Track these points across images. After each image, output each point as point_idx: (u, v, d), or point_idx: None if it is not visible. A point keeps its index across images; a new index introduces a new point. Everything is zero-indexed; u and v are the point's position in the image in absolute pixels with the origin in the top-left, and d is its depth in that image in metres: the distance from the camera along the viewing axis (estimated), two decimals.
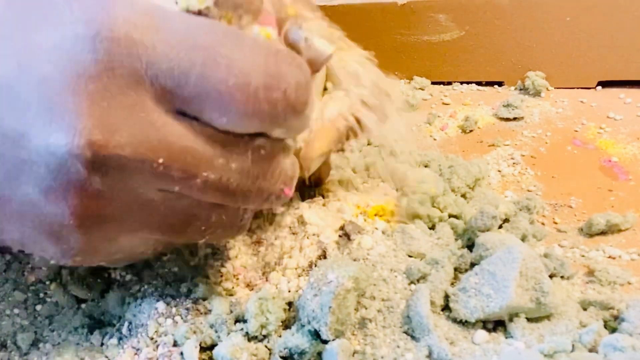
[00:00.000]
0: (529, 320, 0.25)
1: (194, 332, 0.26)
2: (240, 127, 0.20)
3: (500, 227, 0.31)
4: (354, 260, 0.28)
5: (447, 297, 0.26)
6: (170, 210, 0.22)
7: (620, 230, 0.32)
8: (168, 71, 0.19)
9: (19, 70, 0.19)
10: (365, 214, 0.32)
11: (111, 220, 0.21)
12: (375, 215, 0.32)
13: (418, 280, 0.27)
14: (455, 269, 0.28)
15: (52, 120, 0.18)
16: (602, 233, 0.32)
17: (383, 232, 0.30)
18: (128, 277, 0.30)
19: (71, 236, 0.21)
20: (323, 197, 0.33)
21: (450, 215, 0.32)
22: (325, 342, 0.24)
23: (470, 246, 0.29)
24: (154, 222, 0.22)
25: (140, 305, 0.28)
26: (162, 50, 0.19)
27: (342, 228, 0.30)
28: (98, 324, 0.29)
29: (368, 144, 0.41)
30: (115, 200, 0.20)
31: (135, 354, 0.26)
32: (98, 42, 0.18)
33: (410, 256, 0.29)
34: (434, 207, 0.32)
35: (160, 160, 0.19)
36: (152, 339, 0.26)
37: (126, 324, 0.27)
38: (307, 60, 0.22)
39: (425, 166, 0.37)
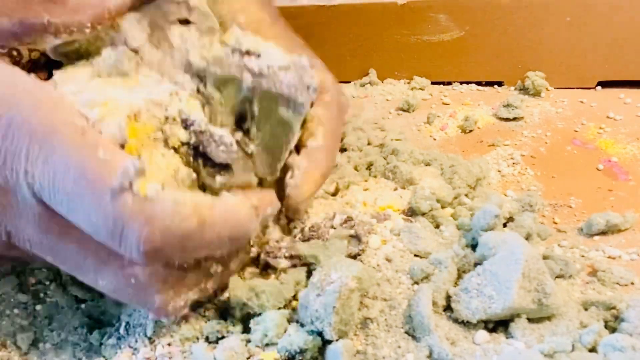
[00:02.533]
0: (529, 320, 0.25)
1: (194, 333, 0.26)
2: None
3: (504, 225, 0.31)
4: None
5: (449, 297, 0.26)
6: None
7: (619, 231, 0.32)
8: None
9: None
10: (373, 212, 0.32)
11: None
12: (383, 212, 0.32)
13: (422, 280, 0.27)
14: (458, 269, 0.28)
15: None
16: (602, 233, 0.32)
17: (391, 231, 0.30)
18: None
19: None
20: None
21: (454, 215, 0.32)
22: (327, 342, 0.24)
23: (474, 245, 0.29)
24: None
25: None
26: None
27: (348, 221, 0.29)
28: (97, 323, 0.29)
29: (369, 144, 0.41)
30: None
31: (133, 354, 0.26)
32: None
33: (416, 255, 0.29)
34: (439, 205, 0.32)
35: None
36: (150, 339, 0.26)
37: (123, 324, 0.27)
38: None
39: (427, 165, 0.37)
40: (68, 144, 0.20)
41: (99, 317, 0.29)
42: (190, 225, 0.21)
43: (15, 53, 0.25)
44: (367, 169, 0.38)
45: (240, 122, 0.26)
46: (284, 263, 0.28)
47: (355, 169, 0.38)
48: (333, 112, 0.29)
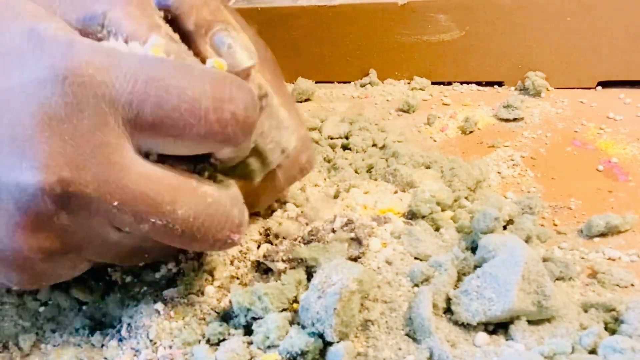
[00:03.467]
0: (529, 322, 0.26)
1: (195, 335, 0.26)
2: (193, 149, 0.22)
3: (504, 228, 0.31)
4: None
5: (449, 299, 0.27)
6: (121, 245, 0.24)
7: (619, 232, 0.32)
8: (127, 104, 0.20)
9: None
10: (373, 214, 0.32)
11: (74, 251, 0.23)
12: (384, 215, 0.32)
13: (422, 283, 0.27)
14: (458, 272, 0.28)
15: (24, 160, 0.20)
16: (602, 234, 0.32)
17: (391, 234, 0.30)
18: (128, 279, 0.30)
19: (37, 266, 0.23)
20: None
21: (454, 217, 0.33)
22: (328, 343, 0.24)
23: (474, 248, 0.29)
24: (108, 253, 0.24)
25: (137, 306, 0.28)
26: (120, 85, 0.20)
27: (348, 224, 0.30)
28: (99, 325, 0.29)
29: (373, 145, 0.41)
30: (78, 235, 0.22)
31: (135, 355, 0.26)
32: (67, 86, 0.20)
33: (417, 258, 0.29)
34: (439, 208, 0.32)
35: (115, 203, 0.21)
36: (151, 340, 0.26)
37: (125, 325, 0.28)
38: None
39: (427, 167, 0.37)
40: None
41: (101, 318, 0.29)
42: None
43: None
44: (367, 171, 0.38)
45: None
46: (281, 265, 0.28)
47: (356, 172, 0.38)
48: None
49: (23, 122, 0.20)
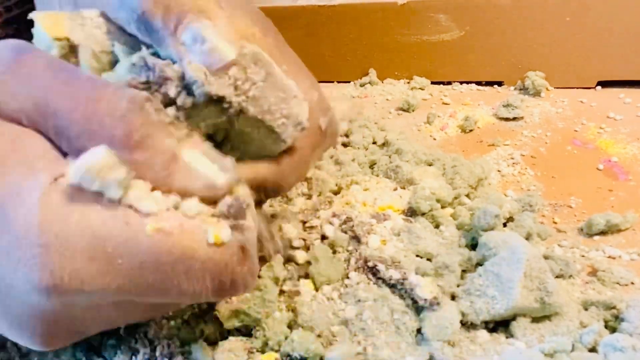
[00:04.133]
0: (531, 320, 0.25)
1: (194, 335, 0.26)
2: None
3: (504, 225, 0.31)
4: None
5: (452, 298, 0.26)
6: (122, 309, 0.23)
7: (620, 231, 0.32)
8: (122, 295, 0.20)
9: None
10: (373, 212, 0.32)
11: (78, 332, 0.23)
12: (383, 212, 0.32)
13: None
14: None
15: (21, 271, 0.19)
16: (602, 233, 0.32)
17: (391, 231, 0.30)
18: None
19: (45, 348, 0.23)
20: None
21: (454, 214, 0.32)
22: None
23: (474, 245, 0.29)
24: (115, 318, 0.24)
25: None
26: (112, 290, 0.19)
27: (347, 221, 0.29)
28: None
29: (373, 142, 0.41)
30: (80, 319, 0.22)
31: (133, 354, 0.26)
32: (53, 300, 0.19)
33: (417, 256, 0.29)
34: (439, 205, 0.32)
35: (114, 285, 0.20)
36: (150, 340, 0.26)
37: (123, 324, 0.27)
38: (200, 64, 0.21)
39: (429, 165, 0.37)
40: None
41: None
42: None
43: None
44: (370, 167, 0.38)
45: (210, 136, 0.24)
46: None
47: (359, 166, 0.38)
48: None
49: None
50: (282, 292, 0.27)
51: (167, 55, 0.22)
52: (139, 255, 0.19)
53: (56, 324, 0.22)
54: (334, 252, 0.29)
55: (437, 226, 0.32)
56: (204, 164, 0.20)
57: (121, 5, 0.22)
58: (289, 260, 0.29)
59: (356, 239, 0.29)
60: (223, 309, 0.26)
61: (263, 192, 0.25)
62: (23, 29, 0.48)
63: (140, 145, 0.19)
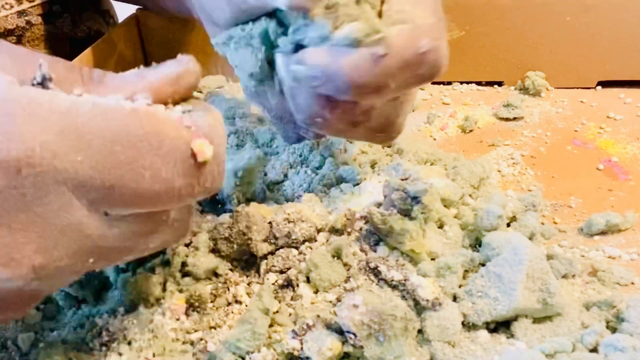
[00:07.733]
0: (532, 320, 0.25)
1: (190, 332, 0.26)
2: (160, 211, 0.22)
3: (508, 225, 0.31)
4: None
5: (454, 299, 0.26)
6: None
7: (620, 230, 0.32)
8: (95, 188, 0.19)
9: None
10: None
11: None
12: None
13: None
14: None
15: None
16: (602, 233, 0.32)
17: None
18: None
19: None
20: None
21: (457, 215, 0.32)
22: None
23: (478, 245, 0.29)
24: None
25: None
26: (85, 172, 0.19)
27: (348, 218, 0.29)
28: (93, 324, 0.29)
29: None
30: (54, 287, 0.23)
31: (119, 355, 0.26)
32: (21, 179, 0.18)
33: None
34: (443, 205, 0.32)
35: (91, 260, 0.21)
36: (129, 343, 0.26)
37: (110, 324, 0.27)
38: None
39: (431, 164, 0.37)
40: None
41: (98, 318, 0.29)
42: None
43: None
44: (371, 167, 0.38)
45: None
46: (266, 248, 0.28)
47: (359, 167, 0.37)
48: None
49: None
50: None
51: None
52: (109, 129, 0.19)
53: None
54: (338, 256, 0.28)
55: (441, 226, 0.31)
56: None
57: None
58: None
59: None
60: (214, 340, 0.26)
61: None
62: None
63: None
